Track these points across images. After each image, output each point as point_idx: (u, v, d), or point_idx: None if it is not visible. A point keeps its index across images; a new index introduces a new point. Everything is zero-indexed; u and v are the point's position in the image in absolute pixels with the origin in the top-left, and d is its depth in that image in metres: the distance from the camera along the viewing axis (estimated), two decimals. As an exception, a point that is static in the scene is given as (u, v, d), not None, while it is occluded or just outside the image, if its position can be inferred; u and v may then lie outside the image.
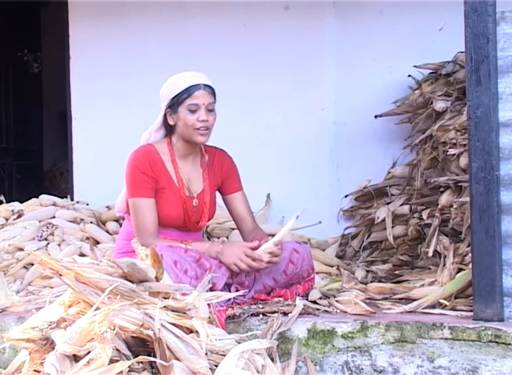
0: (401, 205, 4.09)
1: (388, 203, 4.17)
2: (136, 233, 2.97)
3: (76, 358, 2.21)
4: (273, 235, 3.01)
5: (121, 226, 3.98)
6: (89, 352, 2.18)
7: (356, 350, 2.67)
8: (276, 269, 3.01)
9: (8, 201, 4.57)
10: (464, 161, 3.41)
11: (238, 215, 3.19)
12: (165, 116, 3.05)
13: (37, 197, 4.46)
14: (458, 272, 3.08)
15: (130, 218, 3.06)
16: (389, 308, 2.90)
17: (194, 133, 2.98)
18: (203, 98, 2.97)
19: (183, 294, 2.40)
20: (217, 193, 3.23)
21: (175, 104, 2.99)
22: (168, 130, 3.08)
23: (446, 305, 2.86)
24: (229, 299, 2.75)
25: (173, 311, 2.33)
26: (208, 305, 2.42)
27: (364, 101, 4.41)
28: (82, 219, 4.18)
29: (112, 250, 3.66)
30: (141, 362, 2.20)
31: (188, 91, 2.97)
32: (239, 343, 2.41)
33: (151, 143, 3.09)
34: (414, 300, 2.94)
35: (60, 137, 6.01)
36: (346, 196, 4.43)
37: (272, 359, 2.49)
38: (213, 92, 3.03)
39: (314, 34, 4.49)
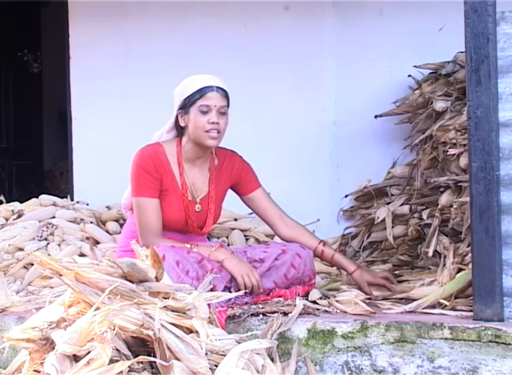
0: (401, 205, 4.08)
1: (388, 203, 4.17)
2: (140, 234, 2.96)
3: (76, 358, 2.21)
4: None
5: (121, 226, 3.99)
6: (89, 352, 2.17)
7: (356, 350, 2.66)
8: (277, 273, 3.00)
9: (8, 201, 4.56)
10: (464, 161, 3.40)
11: (264, 211, 3.16)
12: (176, 117, 3.01)
13: (37, 197, 4.45)
14: (458, 272, 3.07)
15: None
16: (389, 308, 2.90)
17: (204, 135, 2.93)
18: (215, 99, 2.93)
19: (184, 295, 2.40)
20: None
21: (187, 105, 2.95)
22: (179, 131, 3.04)
23: (446, 305, 2.85)
24: (229, 300, 2.75)
25: (173, 311, 2.33)
26: (208, 305, 2.42)
27: (364, 101, 4.41)
28: (82, 219, 4.17)
29: (112, 250, 3.66)
30: (141, 362, 2.20)
31: (200, 92, 2.93)
32: (239, 343, 2.41)
33: (160, 142, 3.04)
34: (414, 300, 2.93)
35: (60, 137, 6.01)
36: (346, 196, 4.43)
37: (272, 359, 2.49)
38: (226, 96, 2.98)
39: (314, 34, 4.50)
